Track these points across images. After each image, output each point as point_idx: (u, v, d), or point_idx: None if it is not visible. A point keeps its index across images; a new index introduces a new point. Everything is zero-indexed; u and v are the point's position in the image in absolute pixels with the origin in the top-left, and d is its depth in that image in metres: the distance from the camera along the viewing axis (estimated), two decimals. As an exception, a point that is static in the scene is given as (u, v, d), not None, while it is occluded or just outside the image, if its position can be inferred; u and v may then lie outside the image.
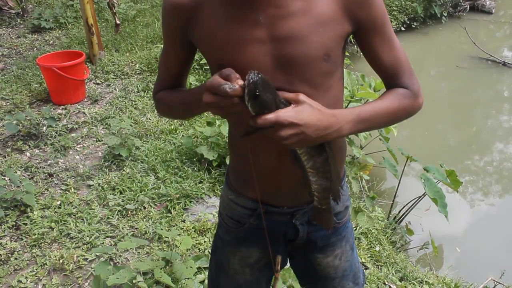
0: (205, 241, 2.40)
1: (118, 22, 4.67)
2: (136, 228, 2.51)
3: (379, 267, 2.49)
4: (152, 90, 1.23)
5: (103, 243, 2.40)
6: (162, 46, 4.61)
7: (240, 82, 0.88)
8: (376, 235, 2.76)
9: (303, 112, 0.90)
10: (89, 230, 2.48)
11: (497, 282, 2.56)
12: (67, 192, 2.81)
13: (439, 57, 6.77)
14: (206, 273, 2.10)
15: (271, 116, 0.89)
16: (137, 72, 4.39)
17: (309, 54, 0.94)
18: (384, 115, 0.99)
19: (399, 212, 3.20)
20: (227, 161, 2.81)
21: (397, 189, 3.33)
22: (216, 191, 2.79)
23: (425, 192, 2.97)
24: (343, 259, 1.24)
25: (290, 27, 0.93)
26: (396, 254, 2.75)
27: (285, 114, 0.89)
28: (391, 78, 1.03)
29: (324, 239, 1.19)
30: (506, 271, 2.77)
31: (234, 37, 0.96)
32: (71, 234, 2.46)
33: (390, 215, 3.29)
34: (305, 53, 0.94)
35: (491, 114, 5.29)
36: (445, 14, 7.47)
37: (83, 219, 2.58)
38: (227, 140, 1.21)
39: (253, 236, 1.20)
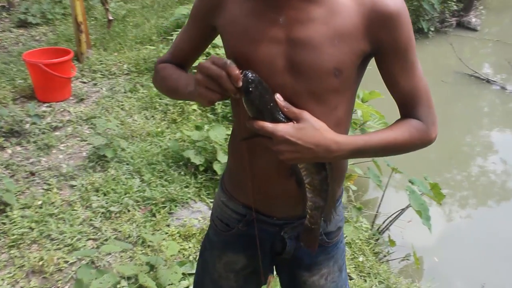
0: (189, 247, 2.38)
1: (111, 18, 4.61)
2: (119, 231, 2.47)
3: (363, 278, 2.49)
4: (157, 60, 1.22)
5: (85, 245, 2.36)
6: (151, 47, 4.60)
7: (236, 71, 0.88)
8: (360, 245, 2.77)
9: (303, 131, 0.89)
10: (70, 232, 2.43)
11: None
12: (49, 191, 2.75)
13: (425, 71, 6.69)
14: (191, 279, 2.07)
15: (268, 127, 0.89)
16: (125, 73, 4.34)
17: (320, 64, 0.92)
18: (390, 148, 0.97)
19: (383, 222, 3.21)
20: (214, 167, 2.80)
21: (381, 200, 3.35)
22: (202, 196, 2.77)
23: (409, 204, 2.99)
24: (329, 279, 1.22)
25: (307, 33, 0.92)
26: (379, 265, 2.76)
27: (283, 129, 0.88)
28: (407, 107, 1.00)
29: (312, 257, 1.18)
30: (485, 284, 2.82)
31: (251, 32, 0.96)
32: (52, 236, 2.40)
33: (374, 226, 3.31)
34: (316, 63, 0.92)
35: (471, 129, 5.38)
36: (432, 29, 7.58)
37: (65, 220, 2.52)
38: (229, 140, 1.20)
39: (241, 242, 1.19)
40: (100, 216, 2.57)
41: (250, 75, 0.87)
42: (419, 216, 2.83)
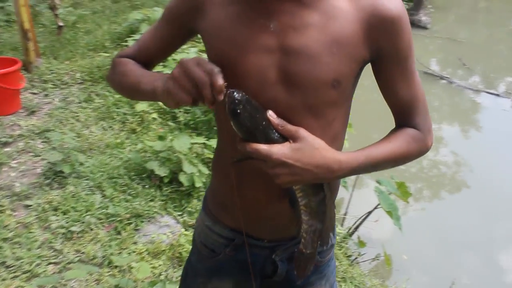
0: (160, 265, 2.26)
1: (61, 24, 4.39)
2: (83, 253, 2.32)
3: (339, 283, 2.46)
4: (117, 54, 1.09)
5: (45, 271, 2.19)
6: (104, 54, 4.42)
7: (221, 82, 0.79)
8: (332, 250, 2.74)
9: (301, 152, 0.81)
10: (28, 257, 2.25)
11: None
12: (1, 213, 2.55)
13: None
14: (164, 301, 1.96)
15: (262, 149, 0.81)
16: (78, 82, 4.13)
17: (317, 76, 0.84)
18: (390, 161, 0.91)
19: (353, 224, 3.20)
20: (180, 178, 2.69)
21: (349, 202, 3.35)
22: (168, 209, 2.65)
23: (378, 205, 3.00)
24: None
25: (301, 41, 0.84)
26: (352, 268, 2.74)
27: (279, 151, 0.81)
28: (404, 116, 0.95)
29: (304, 278, 1.11)
30: (456, 279, 2.87)
31: (238, 40, 0.87)
32: (7, 262, 2.22)
33: (342, 228, 3.29)
34: (313, 74, 0.84)
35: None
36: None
37: (21, 244, 2.34)
38: (213, 158, 1.11)
39: (228, 268, 1.11)
40: (61, 237, 2.40)
41: (236, 95, 0.79)
42: (389, 216, 2.83)
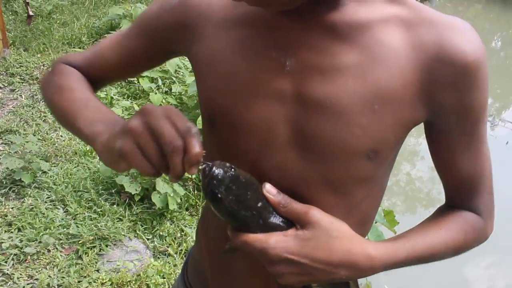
0: (123, 299, 2.01)
1: (31, 13, 4.07)
2: (36, 279, 2.05)
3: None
4: (61, 57, 0.81)
5: (-10, 300, 1.92)
6: (80, 50, 4.12)
7: (198, 149, 0.53)
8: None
9: (312, 243, 0.59)
10: (-28, 281, 1.98)
11: None
12: None
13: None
14: None
15: (256, 244, 0.58)
16: (49, 78, 3.82)
17: (347, 142, 0.60)
18: (439, 255, 0.67)
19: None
20: (153, 198, 2.44)
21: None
22: (137, 232, 2.40)
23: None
24: None
25: (328, 89, 0.59)
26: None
27: (278, 244, 0.58)
28: (463, 195, 0.71)
29: None
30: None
31: (240, 80, 0.62)
32: None
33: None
34: (341, 140, 0.60)
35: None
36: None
37: (-35, 265, 2.06)
38: (197, 224, 0.87)
39: None
40: (12, 259, 2.12)
41: (216, 172, 0.56)
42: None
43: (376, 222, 2.90)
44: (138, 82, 3.61)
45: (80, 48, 4.24)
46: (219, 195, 0.57)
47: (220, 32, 0.65)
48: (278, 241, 0.58)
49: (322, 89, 0.60)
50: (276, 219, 0.61)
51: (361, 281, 2.89)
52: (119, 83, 3.71)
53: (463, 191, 0.71)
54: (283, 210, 0.60)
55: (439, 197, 4.16)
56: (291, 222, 0.61)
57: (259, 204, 0.60)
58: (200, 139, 0.54)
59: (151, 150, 0.53)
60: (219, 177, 0.57)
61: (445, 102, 0.61)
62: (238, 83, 0.63)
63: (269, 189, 0.60)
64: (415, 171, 4.61)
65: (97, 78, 0.79)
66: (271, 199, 0.60)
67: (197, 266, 0.87)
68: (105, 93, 3.50)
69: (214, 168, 0.57)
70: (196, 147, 0.53)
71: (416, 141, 5.22)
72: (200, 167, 0.56)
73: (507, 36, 9.74)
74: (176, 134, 0.53)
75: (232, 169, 0.58)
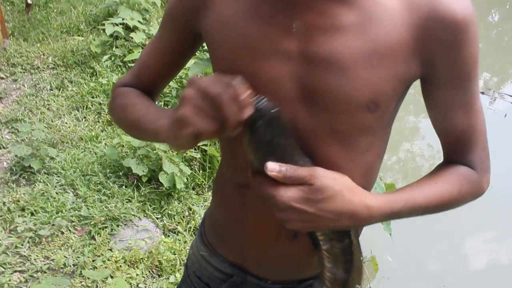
0: (137, 274, 2.09)
1: (29, 2, 4.08)
2: (52, 260, 2.12)
3: None
4: (115, 82, 0.90)
5: (9, 280, 1.99)
6: (79, 38, 4.14)
7: (247, 93, 0.61)
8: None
9: (317, 196, 0.64)
10: (-9, 263, 2.05)
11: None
12: (-39, 213, 2.33)
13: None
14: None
15: (268, 190, 0.65)
16: (50, 67, 3.86)
17: (349, 95, 0.66)
18: (435, 207, 0.73)
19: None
20: (160, 178, 2.51)
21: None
22: (146, 211, 2.47)
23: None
24: None
25: (331, 47, 0.65)
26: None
27: (287, 193, 0.64)
28: (457, 150, 0.76)
29: None
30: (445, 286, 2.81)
31: (250, 42, 0.68)
32: (-32, 269, 2.02)
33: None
34: (343, 92, 0.66)
35: (400, 116, 5.46)
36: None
37: (-18, 249, 2.13)
38: (214, 179, 0.94)
39: None
40: (28, 242, 2.20)
41: (262, 103, 0.62)
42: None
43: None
44: (139, 67, 3.65)
45: (79, 36, 4.26)
46: (258, 125, 0.62)
47: (229, 2, 0.71)
48: (287, 191, 0.64)
49: (326, 47, 0.65)
50: (301, 161, 0.66)
51: (365, 254, 2.98)
52: (119, 69, 3.75)
53: (458, 146, 0.76)
54: (290, 180, 0.64)
55: None
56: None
57: (286, 150, 0.65)
58: (246, 85, 0.60)
59: (208, 106, 0.59)
60: (267, 108, 0.62)
61: (437, 58, 0.66)
62: (249, 45, 0.68)
63: (272, 167, 0.64)
64: (416, 148, 4.66)
65: (149, 87, 0.87)
66: (277, 176, 0.64)
67: (213, 222, 0.94)
68: (107, 79, 3.55)
69: (262, 101, 0.62)
70: (244, 92, 0.59)
71: (416, 119, 5.27)
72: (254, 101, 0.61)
73: (504, 11, 9.72)
74: (224, 87, 0.59)
75: (278, 109, 0.63)
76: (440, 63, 0.67)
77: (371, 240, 3.19)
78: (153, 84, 0.87)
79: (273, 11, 0.67)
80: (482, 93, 5.66)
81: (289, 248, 0.82)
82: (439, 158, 0.80)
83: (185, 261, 1.06)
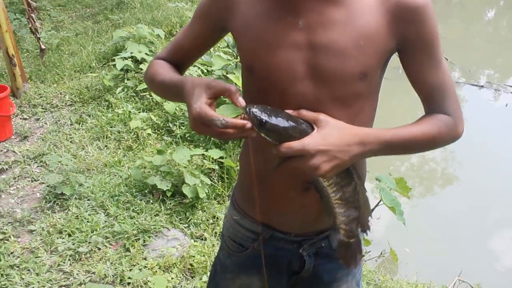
0: (172, 278, 2.25)
1: (43, 47, 4.36)
2: (93, 273, 2.30)
3: (350, 282, 2.48)
4: (154, 55, 1.18)
5: (57, 294, 2.17)
6: (92, 74, 4.40)
7: (242, 101, 0.84)
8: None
9: (330, 136, 0.84)
10: (38, 282, 2.23)
11: (462, 281, 2.65)
12: (5, 241, 2.52)
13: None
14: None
15: (296, 145, 0.82)
16: (68, 104, 4.11)
17: (345, 69, 0.88)
18: (419, 143, 0.93)
19: (357, 224, 3.22)
20: (184, 190, 2.70)
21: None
22: (174, 222, 2.64)
23: (379, 201, 3.03)
24: None
25: (329, 36, 0.88)
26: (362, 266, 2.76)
27: (311, 141, 0.83)
28: (433, 102, 0.97)
29: (331, 273, 1.12)
30: (463, 269, 2.91)
31: (268, 37, 0.90)
32: (18, 288, 2.19)
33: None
34: (341, 68, 0.88)
35: (408, 120, 5.58)
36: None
37: (29, 270, 2.31)
38: (240, 154, 1.14)
39: (256, 263, 1.12)
40: (69, 259, 2.38)
41: (254, 110, 0.82)
42: (392, 212, 2.86)
43: (390, 189, 3.12)
44: (151, 95, 3.88)
45: (91, 73, 4.52)
46: (264, 120, 0.81)
47: (250, 7, 0.94)
48: (309, 140, 0.83)
49: (325, 37, 0.89)
50: (303, 126, 0.85)
51: (383, 247, 3.10)
52: (133, 99, 3.98)
53: (433, 98, 0.97)
54: (298, 115, 0.86)
55: (456, 174, 4.34)
56: (312, 127, 0.86)
57: (289, 120, 0.84)
58: (237, 90, 0.84)
59: (213, 133, 0.85)
60: (257, 111, 0.82)
61: (407, 34, 0.90)
62: (267, 39, 0.91)
63: (288, 111, 0.87)
64: (427, 153, 4.78)
65: (179, 62, 1.11)
66: (293, 114, 0.86)
67: (242, 190, 1.12)
68: (123, 109, 3.77)
69: (253, 108, 0.83)
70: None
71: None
72: (245, 114, 0.83)
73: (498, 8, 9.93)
74: (214, 116, 0.82)
75: (263, 106, 0.84)
76: (410, 37, 0.90)
77: (389, 236, 3.33)
78: (183, 59, 1.11)
79: (283, 13, 0.90)
80: (481, 86, 5.82)
81: (303, 201, 1.00)
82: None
83: (221, 231, 1.23)
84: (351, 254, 0.99)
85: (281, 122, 0.83)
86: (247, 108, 0.82)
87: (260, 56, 0.91)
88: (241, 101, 0.85)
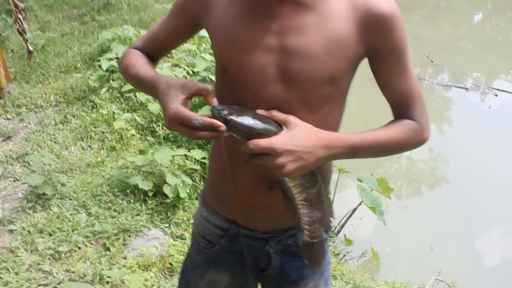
0: (151, 277, 2.26)
1: (30, 49, 4.35)
2: (72, 272, 2.30)
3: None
4: (130, 44, 1.19)
5: (35, 293, 2.17)
6: (77, 75, 4.40)
7: (215, 102, 0.86)
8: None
9: (298, 137, 0.86)
10: (17, 281, 2.23)
11: (440, 280, 2.69)
12: (-15, 241, 2.52)
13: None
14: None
15: (264, 142, 0.85)
16: (53, 104, 4.10)
17: (314, 74, 0.90)
18: (386, 147, 0.95)
19: (339, 223, 3.26)
20: (165, 190, 2.71)
21: (332, 201, 3.40)
22: (155, 222, 2.65)
23: (361, 202, 3.06)
24: None
25: (300, 41, 0.89)
26: (341, 265, 2.79)
27: (279, 140, 0.85)
28: (401, 108, 0.99)
29: (298, 271, 1.14)
30: (442, 269, 2.95)
31: (242, 39, 0.92)
32: (-4, 288, 2.19)
33: (328, 228, 3.33)
34: (310, 72, 0.90)
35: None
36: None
37: (8, 269, 2.31)
38: (210, 153, 1.16)
39: (224, 259, 1.15)
40: (49, 259, 2.38)
41: (219, 108, 0.85)
42: (373, 212, 2.90)
43: (372, 190, 3.16)
44: (136, 96, 3.88)
45: (77, 73, 4.52)
46: (228, 118, 0.84)
47: (227, 8, 0.96)
48: (277, 139, 0.86)
49: (296, 42, 0.90)
50: (270, 125, 0.87)
51: (365, 247, 3.13)
52: (118, 100, 3.99)
53: (401, 105, 0.99)
54: (269, 115, 0.89)
55: (442, 175, 4.39)
56: (281, 128, 0.88)
57: (255, 119, 0.86)
58: (211, 89, 0.86)
59: (191, 133, 0.86)
60: (223, 110, 0.85)
61: (376, 42, 0.92)
62: (241, 41, 0.93)
63: (259, 111, 0.90)
64: (415, 154, 4.82)
65: (154, 53, 1.13)
66: (263, 113, 0.89)
67: (211, 188, 1.14)
68: (107, 109, 3.78)
69: (217, 107, 0.85)
70: (212, 97, 0.87)
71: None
72: (211, 113, 0.85)
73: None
74: (191, 116, 0.84)
75: (230, 106, 0.86)
76: (378, 44, 0.93)
77: (373, 236, 3.36)
78: (157, 51, 1.13)
79: (258, 16, 0.92)
80: (466, 89, 5.89)
81: (268, 200, 1.02)
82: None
83: (192, 228, 1.25)
84: (315, 254, 1.02)
85: (246, 120, 0.85)
86: (213, 108, 0.85)
87: (234, 57, 0.93)
88: (215, 101, 0.87)
